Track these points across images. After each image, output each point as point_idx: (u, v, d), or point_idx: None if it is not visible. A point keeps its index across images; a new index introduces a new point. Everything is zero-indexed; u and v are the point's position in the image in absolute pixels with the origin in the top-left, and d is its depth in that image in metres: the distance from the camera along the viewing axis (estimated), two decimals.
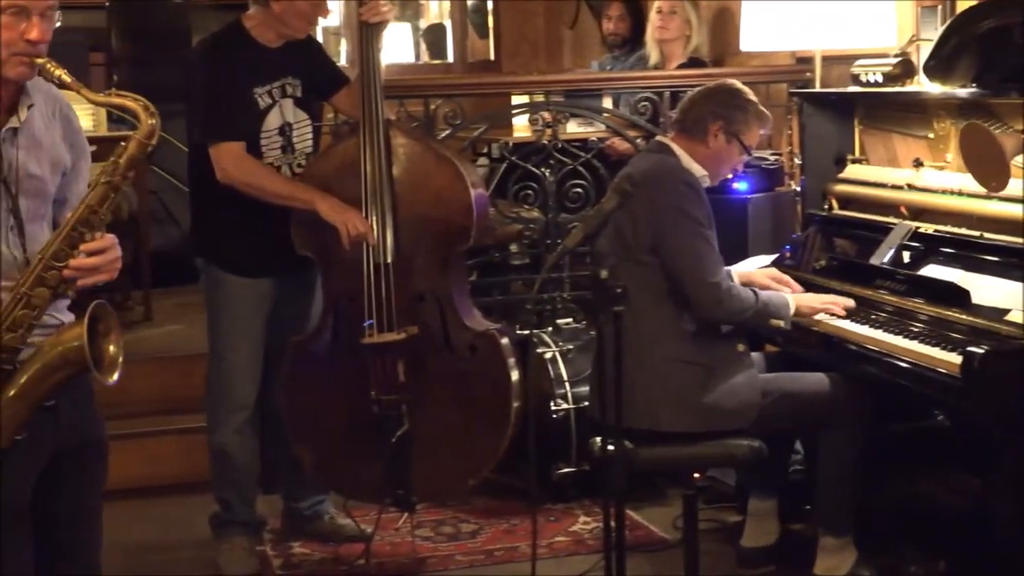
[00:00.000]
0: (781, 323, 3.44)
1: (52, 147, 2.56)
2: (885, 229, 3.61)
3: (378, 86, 3.69)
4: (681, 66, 5.20)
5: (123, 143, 2.47)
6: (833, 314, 3.44)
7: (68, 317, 2.55)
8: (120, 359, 2.51)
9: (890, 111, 3.78)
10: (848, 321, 3.42)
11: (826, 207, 3.97)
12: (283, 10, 3.69)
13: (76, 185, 2.64)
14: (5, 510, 2.51)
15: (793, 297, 3.49)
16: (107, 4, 6.51)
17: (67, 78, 2.41)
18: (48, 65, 2.41)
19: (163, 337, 5.49)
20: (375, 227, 3.66)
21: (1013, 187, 3.22)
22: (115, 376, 2.49)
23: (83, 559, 2.72)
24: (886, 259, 3.52)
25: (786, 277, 3.66)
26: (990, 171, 3.28)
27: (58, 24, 2.47)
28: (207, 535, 4.00)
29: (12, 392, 2.44)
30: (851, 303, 3.46)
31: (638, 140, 4.77)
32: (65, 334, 2.45)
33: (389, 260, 3.66)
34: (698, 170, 3.48)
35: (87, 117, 4.94)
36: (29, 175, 2.50)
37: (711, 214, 3.42)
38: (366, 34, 3.70)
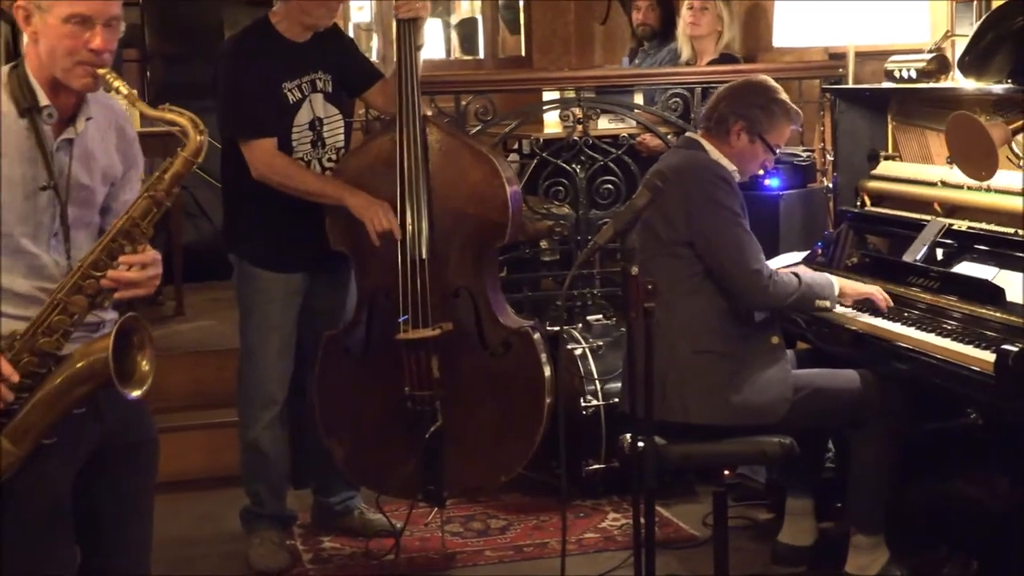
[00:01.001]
0: (827, 303, 3.44)
1: (104, 157, 2.60)
2: (918, 226, 3.58)
3: (415, 82, 3.69)
4: (713, 62, 5.18)
5: (169, 159, 2.49)
6: (874, 299, 3.43)
7: (111, 315, 2.57)
8: (151, 376, 2.51)
9: (924, 107, 3.76)
10: (881, 319, 3.41)
11: (859, 204, 3.95)
12: (301, 1, 3.70)
13: (124, 194, 2.67)
14: (41, 507, 2.53)
15: (838, 279, 3.47)
16: (141, 1, 6.54)
17: (124, 90, 2.44)
18: (108, 76, 2.44)
19: (194, 332, 5.52)
20: (411, 223, 3.66)
21: None
22: (141, 391, 2.50)
23: (131, 558, 2.74)
24: (919, 256, 3.49)
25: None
26: (979, 161, 3.24)
27: (121, 34, 2.50)
28: (238, 529, 4.02)
29: (39, 397, 2.46)
30: (890, 301, 3.44)
31: (669, 136, 4.76)
32: (94, 345, 2.46)
33: (424, 256, 3.67)
34: (728, 164, 3.47)
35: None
36: (79, 184, 2.54)
37: (744, 205, 3.42)
38: (402, 30, 3.70)
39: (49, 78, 2.47)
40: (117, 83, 2.44)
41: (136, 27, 6.46)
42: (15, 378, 2.42)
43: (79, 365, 2.45)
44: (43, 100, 2.47)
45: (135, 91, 2.47)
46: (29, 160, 2.46)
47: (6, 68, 2.53)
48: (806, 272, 3.49)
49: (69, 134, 2.52)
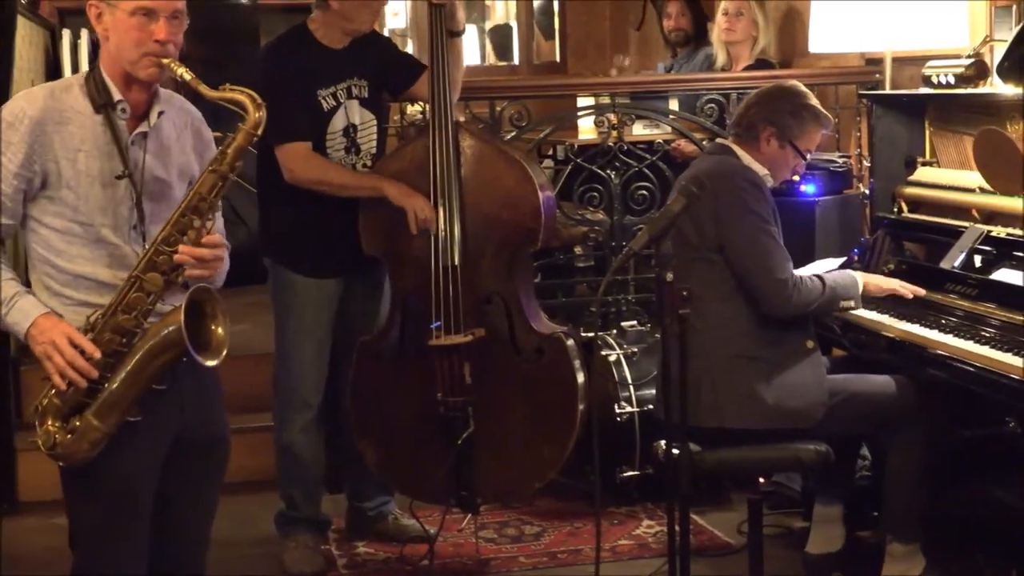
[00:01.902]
0: (851, 303, 3.42)
1: (180, 155, 2.73)
2: (956, 232, 3.55)
3: (448, 87, 3.69)
4: (748, 68, 5.16)
5: (231, 133, 2.60)
6: (900, 294, 3.41)
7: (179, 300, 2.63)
8: (226, 343, 2.62)
9: (962, 113, 3.73)
10: (918, 325, 3.39)
11: (896, 210, 3.92)
12: (342, 6, 3.71)
13: None
14: (128, 490, 2.63)
15: (861, 275, 3.45)
16: None
17: (187, 76, 2.57)
18: (172, 64, 2.58)
19: (231, 336, 5.52)
20: (443, 228, 3.67)
21: None
22: (219, 358, 2.60)
23: (188, 554, 2.83)
24: (957, 263, 3.47)
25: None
26: (1009, 175, 3.24)
27: (185, 27, 2.65)
28: (273, 533, 4.04)
29: (121, 373, 2.55)
30: (920, 291, 3.42)
31: (704, 142, 4.75)
32: (168, 317, 2.56)
33: (457, 262, 3.67)
34: (760, 169, 3.46)
35: None
36: (155, 178, 2.66)
37: (776, 211, 3.40)
38: (434, 16, 3.69)
39: (121, 73, 2.62)
40: (180, 70, 2.58)
41: None
42: (97, 355, 2.52)
43: (156, 338, 2.55)
44: (116, 95, 2.62)
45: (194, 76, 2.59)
46: (106, 154, 2.60)
47: (83, 71, 2.69)
48: (830, 273, 3.47)
49: (143, 128, 2.65)
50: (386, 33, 7.63)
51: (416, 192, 3.66)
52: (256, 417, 4.47)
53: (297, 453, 3.90)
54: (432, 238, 3.67)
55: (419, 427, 3.76)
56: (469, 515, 3.93)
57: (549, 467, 3.73)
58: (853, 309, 3.45)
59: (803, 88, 3.56)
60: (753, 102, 3.54)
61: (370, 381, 3.83)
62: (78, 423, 2.55)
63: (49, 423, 2.57)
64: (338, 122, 3.79)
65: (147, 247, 2.58)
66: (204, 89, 2.60)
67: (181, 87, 2.67)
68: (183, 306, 2.51)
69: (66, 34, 5.82)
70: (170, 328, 2.53)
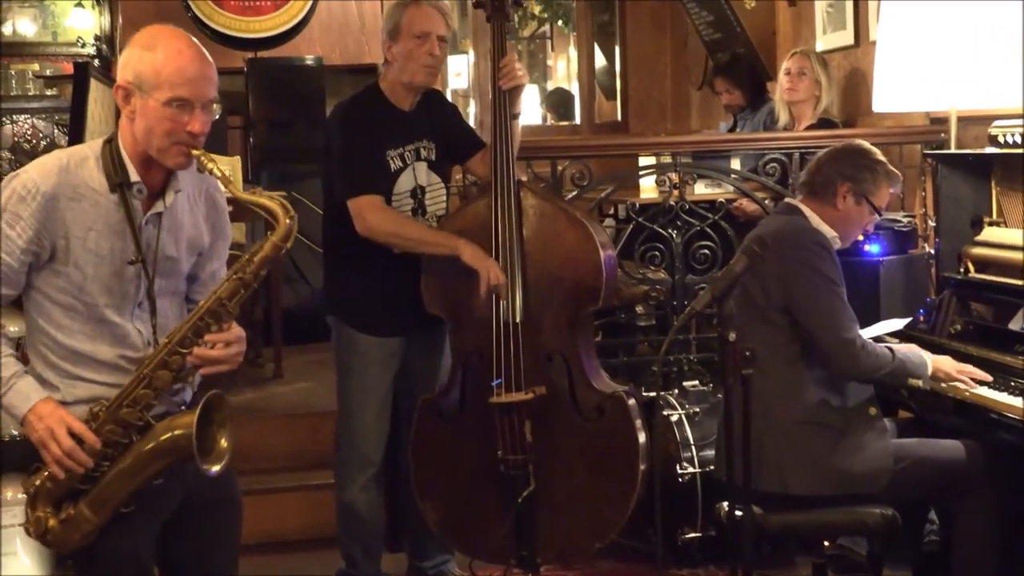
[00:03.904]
0: (919, 382, 3.38)
1: (192, 228, 2.67)
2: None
3: (510, 148, 3.72)
4: (811, 127, 5.15)
5: (259, 243, 2.54)
6: (966, 380, 3.37)
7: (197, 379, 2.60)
8: (229, 452, 2.56)
9: None
10: (986, 388, 3.34)
11: (962, 270, 3.87)
12: (395, 57, 3.75)
13: (210, 264, 2.74)
14: (126, 566, 2.58)
15: (931, 357, 3.41)
16: (244, 69, 6.71)
17: (218, 172, 2.50)
18: (203, 157, 2.51)
19: (293, 394, 5.58)
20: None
21: None
22: (220, 467, 2.54)
23: None
24: None
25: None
26: None
27: (217, 116, 2.58)
28: None
29: (119, 466, 2.52)
30: (987, 377, 3.37)
31: (766, 201, 4.74)
32: (177, 420, 2.51)
33: (518, 319, 3.68)
34: (828, 231, 3.44)
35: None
36: (166, 256, 2.61)
37: (842, 273, 3.38)
38: (499, 99, 3.74)
39: (142, 155, 2.54)
40: (211, 165, 2.50)
41: (240, 94, 6.63)
42: (98, 445, 2.49)
43: (162, 439, 2.50)
44: (134, 176, 2.54)
45: (227, 172, 2.54)
46: (118, 234, 2.54)
47: (99, 141, 2.59)
48: (900, 348, 3.43)
49: (158, 208, 2.59)
50: (449, 93, 7.72)
51: (489, 257, 3.67)
52: (318, 475, 4.49)
53: (358, 511, 3.90)
54: (494, 296, 3.68)
55: (480, 485, 3.75)
56: (529, 575, 3.89)
57: (610, 527, 3.70)
58: (921, 387, 3.40)
59: (871, 146, 3.55)
60: (826, 159, 3.53)
61: (431, 439, 3.83)
62: (71, 511, 2.51)
63: (40, 509, 2.53)
64: (405, 183, 3.82)
65: (160, 347, 2.53)
66: (235, 191, 2.55)
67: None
68: (196, 414, 2.47)
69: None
70: (177, 432, 2.48)
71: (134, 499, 2.53)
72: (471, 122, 7.17)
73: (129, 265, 2.54)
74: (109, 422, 2.51)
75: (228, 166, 5.09)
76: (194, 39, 2.59)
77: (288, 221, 2.51)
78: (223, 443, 2.57)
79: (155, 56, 2.49)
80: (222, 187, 2.60)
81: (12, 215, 2.49)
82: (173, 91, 2.48)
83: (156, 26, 2.56)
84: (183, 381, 2.56)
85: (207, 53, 2.58)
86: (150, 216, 2.58)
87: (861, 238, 3.77)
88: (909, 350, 3.43)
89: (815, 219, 3.45)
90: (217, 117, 2.60)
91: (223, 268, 2.75)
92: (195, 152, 2.51)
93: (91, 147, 2.59)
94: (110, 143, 2.57)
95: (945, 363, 3.43)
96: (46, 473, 2.51)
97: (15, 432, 4.24)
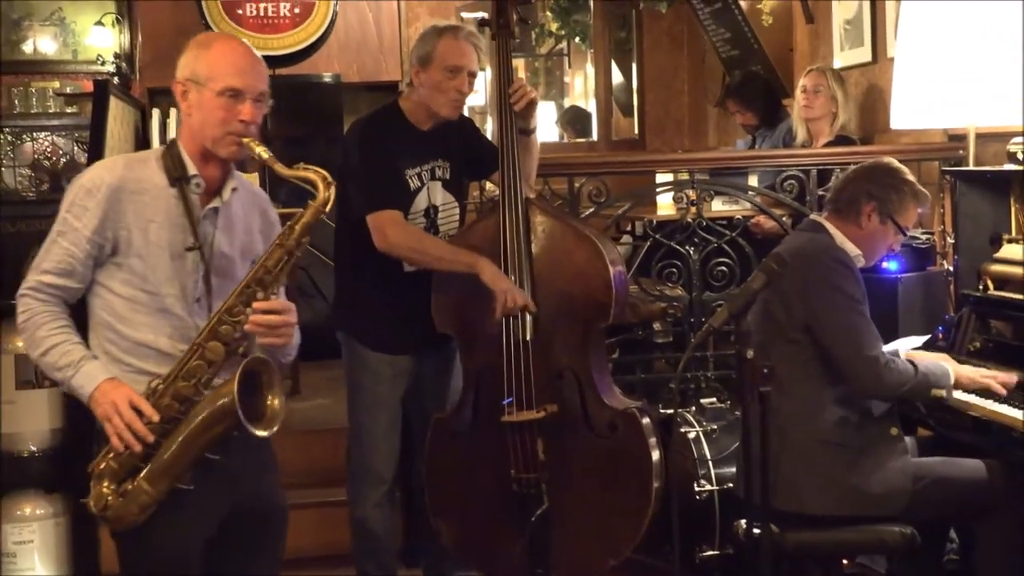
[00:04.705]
0: (943, 393, 3.34)
1: (246, 234, 2.79)
2: None
3: (518, 165, 3.72)
4: (829, 144, 5.14)
5: (300, 209, 2.66)
6: (993, 390, 3.34)
7: None
8: (281, 414, 2.64)
9: None
10: (1005, 405, 3.31)
11: (981, 287, 3.85)
12: (422, 83, 3.76)
13: None
14: (176, 559, 2.65)
15: (953, 367, 3.39)
16: None
17: (265, 154, 2.65)
18: (251, 143, 2.66)
19: (310, 410, 5.58)
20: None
21: None
22: (272, 429, 2.63)
23: None
24: None
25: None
26: None
27: (267, 110, 2.74)
28: None
29: (177, 440, 2.59)
30: (1012, 379, 3.35)
31: (784, 218, 4.73)
32: (222, 388, 2.59)
33: (529, 338, 3.67)
34: (852, 249, 3.42)
35: None
36: (221, 253, 2.72)
37: (865, 292, 3.36)
38: (506, 115, 3.74)
39: (199, 150, 2.70)
40: (259, 149, 2.66)
41: None
42: (156, 417, 2.58)
43: (210, 408, 2.59)
44: (192, 170, 2.69)
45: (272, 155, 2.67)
46: (177, 226, 2.67)
47: (161, 147, 2.77)
48: (923, 360, 3.41)
49: (215, 203, 2.72)
50: (465, 110, 7.75)
51: (507, 278, 3.66)
52: (333, 491, 4.48)
53: (372, 528, 3.89)
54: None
55: (493, 504, 3.74)
56: None
57: (624, 544, 3.69)
58: (944, 400, 3.38)
59: (900, 165, 3.53)
60: (852, 177, 3.51)
61: (444, 458, 3.83)
62: (130, 486, 2.60)
63: (104, 485, 2.62)
64: (420, 202, 3.81)
65: (211, 317, 2.63)
66: (279, 167, 2.67)
67: (255, 164, 2.74)
68: (236, 376, 2.54)
69: (155, 113, 5.97)
70: (224, 399, 2.56)
71: (191, 476, 2.61)
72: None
73: (187, 252, 2.66)
74: (166, 397, 2.60)
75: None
76: (246, 42, 2.80)
77: (328, 191, 2.66)
78: (275, 404, 2.64)
79: (210, 52, 2.70)
80: (272, 167, 2.69)
81: (79, 207, 2.65)
82: (226, 81, 2.66)
83: (212, 32, 2.72)
84: (234, 353, 2.63)
85: (258, 53, 2.78)
86: (207, 211, 2.72)
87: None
88: (932, 362, 3.41)
89: (839, 237, 3.44)
90: (267, 111, 2.75)
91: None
92: (245, 140, 2.66)
93: (153, 150, 2.80)
94: (170, 146, 2.73)
95: (969, 371, 3.41)
96: (111, 453, 2.61)
97: (33, 448, 4.26)
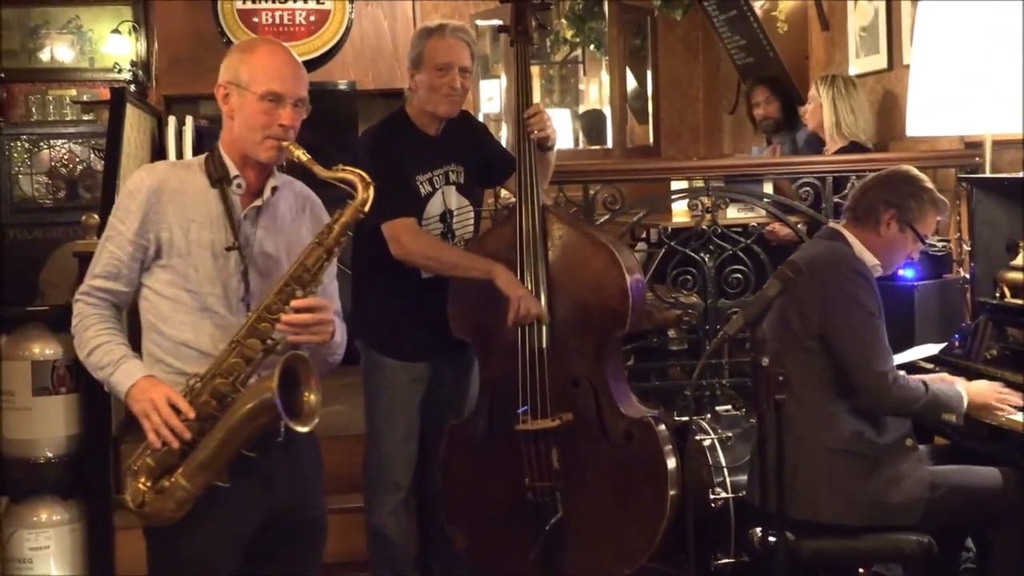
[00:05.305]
0: (953, 418, 3.32)
1: (293, 235, 2.81)
2: None
3: (535, 173, 3.72)
4: (841, 150, 5.13)
5: (340, 210, 2.69)
6: (1006, 408, 3.33)
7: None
8: (318, 409, 2.66)
9: None
10: (1021, 413, 3.30)
11: (997, 295, 3.84)
12: (417, 85, 3.77)
13: (321, 276, 2.79)
14: (207, 562, 2.67)
15: (965, 390, 3.37)
16: None
17: (304, 157, 2.68)
18: (291, 147, 2.69)
19: (325, 417, 5.46)
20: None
21: None
22: (310, 425, 2.64)
23: None
24: None
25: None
26: None
27: (306, 116, 2.77)
28: None
29: (215, 436, 2.61)
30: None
31: (799, 225, 4.72)
32: (261, 384, 2.60)
33: (544, 346, 3.66)
34: (870, 259, 3.41)
35: None
36: (264, 252, 2.74)
37: (881, 303, 3.35)
38: (524, 125, 3.73)
39: (240, 153, 2.73)
40: (298, 152, 2.69)
41: None
42: (192, 414, 2.59)
43: (249, 404, 2.60)
44: (233, 171, 2.73)
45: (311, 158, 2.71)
46: (218, 226, 2.70)
47: (204, 155, 2.80)
48: (936, 382, 3.39)
49: (256, 203, 2.75)
50: (480, 117, 7.75)
51: (522, 285, 3.66)
52: (349, 498, 4.47)
53: (387, 535, 3.90)
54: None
55: (508, 512, 3.74)
56: None
57: (639, 553, 3.67)
58: (955, 423, 3.36)
59: (920, 173, 3.52)
60: (871, 185, 3.50)
61: (460, 465, 3.82)
62: (167, 483, 2.61)
63: (141, 481, 2.63)
64: (434, 207, 3.82)
65: (250, 315, 2.65)
66: (319, 169, 2.69)
67: (295, 168, 2.75)
68: (277, 372, 2.56)
69: (171, 121, 5.99)
70: (264, 394, 2.58)
71: (228, 474, 2.63)
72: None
73: (227, 251, 2.68)
74: (204, 394, 2.62)
75: None
76: (289, 48, 2.82)
77: (366, 193, 2.68)
78: (312, 400, 2.66)
79: (253, 56, 2.75)
80: (311, 169, 2.71)
81: (123, 211, 2.71)
82: (268, 85, 2.70)
83: (256, 37, 2.74)
84: (272, 351, 2.65)
85: (299, 60, 2.82)
86: (248, 211, 2.75)
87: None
88: (945, 385, 3.39)
89: (857, 246, 3.42)
90: (306, 117, 2.79)
91: (333, 282, 2.90)
92: (285, 144, 2.69)
93: (195, 158, 2.84)
94: (212, 151, 2.77)
95: (982, 393, 3.38)
96: (148, 450, 2.63)
97: (50, 454, 4.28)
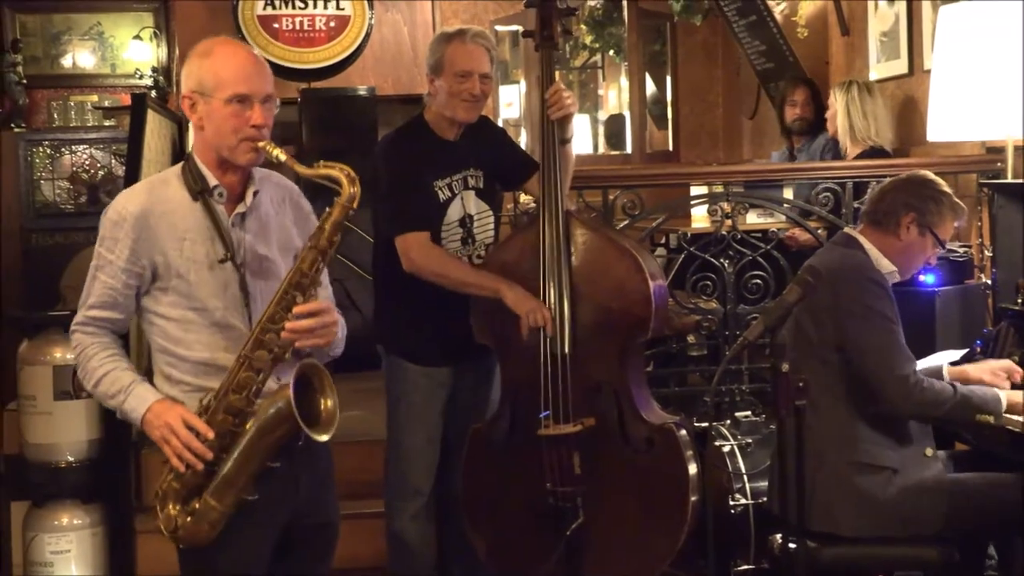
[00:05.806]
0: (990, 419, 3.27)
1: (281, 230, 2.79)
2: None
3: (559, 177, 3.72)
4: (861, 155, 5.11)
5: (328, 208, 2.65)
6: None
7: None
8: (336, 415, 2.65)
9: None
10: None
11: (1019, 301, 3.81)
12: (437, 91, 3.77)
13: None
14: (243, 573, 2.66)
15: (1006, 393, 3.33)
16: (298, 100, 6.78)
17: (283, 156, 2.63)
18: (268, 147, 2.64)
19: (343, 422, 5.46)
20: (554, 316, 3.66)
21: None
22: (330, 432, 2.63)
23: None
24: None
25: (1010, 364, 3.46)
26: None
27: (276, 111, 2.72)
28: None
29: (237, 452, 2.60)
30: None
31: (819, 231, 4.70)
32: (277, 394, 2.60)
33: (566, 351, 3.66)
34: (887, 265, 3.38)
35: None
36: (258, 255, 2.72)
37: (897, 311, 3.32)
38: (548, 127, 3.74)
39: (216, 160, 2.69)
40: (276, 151, 2.64)
41: (294, 124, 6.69)
42: (211, 435, 2.58)
43: (267, 416, 2.60)
44: (212, 181, 2.69)
45: (292, 155, 2.66)
46: (208, 239, 2.67)
47: (178, 165, 2.76)
48: (967, 385, 3.32)
49: (240, 209, 2.71)
50: (500, 123, 7.74)
51: (533, 298, 3.66)
52: (369, 503, 4.48)
53: (408, 541, 3.90)
54: (542, 327, 3.66)
55: (529, 517, 3.73)
56: None
57: (660, 559, 3.67)
58: (992, 424, 3.30)
59: (938, 178, 3.50)
60: (890, 189, 3.48)
61: (481, 470, 3.82)
62: (197, 505, 2.60)
63: (170, 507, 2.62)
64: (454, 213, 3.82)
65: (254, 327, 2.63)
66: (300, 168, 2.66)
67: (278, 167, 2.73)
68: (291, 381, 2.56)
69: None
70: (279, 404, 2.57)
71: (255, 487, 2.62)
72: None
73: (220, 263, 2.66)
74: (220, 412, 2.60)
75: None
76: (245, 43, 2.79)
77: (352, 188, 2.62)
78: (329, 406, 2.65)
79: (212, 61, 2.68)
80: (292, 167, 2.68)
81: (110, 240, 2.67)
82: (233, 88, 2.64)
83: (209, 38, 2.73)
84: (280, 359, 2.63)
85: (259, 54, 2.76)
86: (234, 217, 2.71)
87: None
88: (978, 387, 3.33)
89: (874, 252, 3.40)
90: (277, 111, 2.74)
91: (324, 276, 2.83)
92: (261, 144, 2.65)
93: (171, 170, 2.77)
94: (187, 160, 2.73)
95: (1021, 395, 3.36)
96: (171, 474, 2.62)
97: (71, 458, 4.30)
